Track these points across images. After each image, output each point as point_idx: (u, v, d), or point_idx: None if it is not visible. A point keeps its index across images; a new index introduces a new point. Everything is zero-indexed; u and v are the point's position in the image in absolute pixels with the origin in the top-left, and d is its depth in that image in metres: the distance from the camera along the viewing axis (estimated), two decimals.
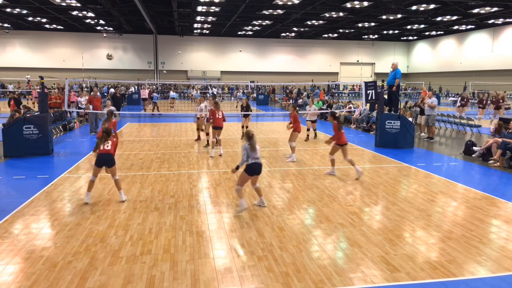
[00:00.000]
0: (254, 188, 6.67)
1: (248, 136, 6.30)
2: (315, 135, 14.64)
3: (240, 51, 49.96)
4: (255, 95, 34.58)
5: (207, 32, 45.78)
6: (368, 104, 15.00)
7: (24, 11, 33.41)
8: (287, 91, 38.12)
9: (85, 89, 29.08)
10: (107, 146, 7.00)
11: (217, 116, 10.91)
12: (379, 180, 8.60)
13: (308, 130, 14.45)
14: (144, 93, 27.08)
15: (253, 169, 6.23)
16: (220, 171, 9.33)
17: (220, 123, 10.95)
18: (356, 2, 28.92)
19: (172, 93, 29.29)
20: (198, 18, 36.08)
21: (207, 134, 12.37)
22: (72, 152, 11.58)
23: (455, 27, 40.47)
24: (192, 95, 31.83)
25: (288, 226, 5.89)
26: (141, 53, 48.10)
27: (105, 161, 6.97)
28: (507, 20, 35.67)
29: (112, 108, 12.56)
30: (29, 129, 10.68)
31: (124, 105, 28.36)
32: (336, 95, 40.95)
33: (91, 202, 6.89)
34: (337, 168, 9.68)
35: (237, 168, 6.43)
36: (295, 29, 42.63)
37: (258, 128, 17.74)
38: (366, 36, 49.00)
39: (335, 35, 47.49)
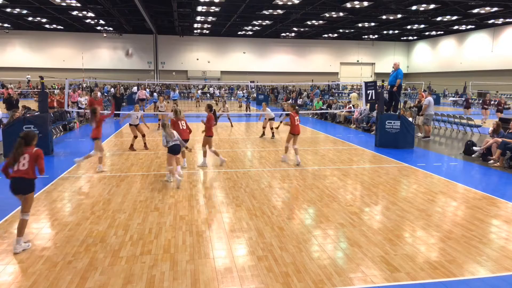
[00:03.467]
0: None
1: (162, 126, 8.37)
2: (273, 135, 14.57)
3: (244, 53, 49.97)
4: (255, 95, 34.56)
5: (207, 32, 45.80)
6: (368, 104, 15.00)
7: (24, 11, 33.43)
8: (287, 91, 38.02)
9: (86, 89, 29.04)
10: (23, 165, 5.04)
11: (180, 127, 8.94)
12: (379, 180, 8.60)
13: (264, 128, 14.89)
14: (142, 94, 26.90)
15: (174, 149, 8.07)
16: (220, 171, 9.34)
17: (185, 136, 8.95)
18: (356, 2, 28.94)
19: (174, 94, 29.19)
20: (198, 18, 36.09)
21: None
22: (72, 152, 11.57)
23: (455, 27, 40.48)
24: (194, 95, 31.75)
25: (288, 226, 5.89)
26: (141, 53, 48.12)
27: (18, 187, 5.04)
28: (507, 20, 35.68)
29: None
30: (29, 129, 10.67)
31: (124, 105, 28.33)
32: (336, 95, 40.94)
33: (92, 202, 6.90)
34: (337, 168, 9.70)
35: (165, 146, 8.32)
36: (295, 29, 42.65)
37: (258, 127, 17.72)
38: (366, 36, 49.02)
39: (335, 35, 47.51)
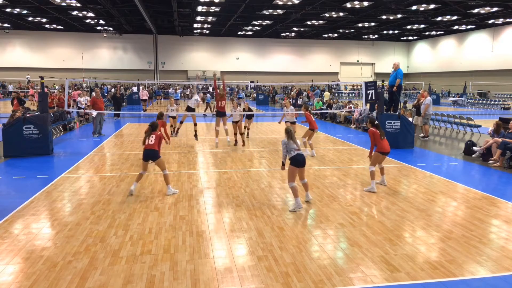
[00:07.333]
0: (302, 184, 6.86)
1: (287, 133, 6.57)
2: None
3: (237, 58, 49.98)
4: (255, 95, 34.55)
5: (207, 32, 45.79)
6: (368, 104, 14.97)
7: (24, 11, 33.42)
8: (287, 91, 38.01)
9: (86, 89, 29.02)
10: (151, 141, 7.24)
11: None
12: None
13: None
14: (143, 94, 26.82)
15: (297, 160, 6.44)
16: (220, 171, 9.34)
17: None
18: (356, 2, 28.93)
19: (175, 93, 29.18)
20: (198, 18, 36.08)
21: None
22: (72, 152, 11.58)
23: (455, 27, 40.48)
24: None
25: (288, 226, 5.89)
26: (141, 53, 48.10)
27: (149, 155, 7.27)
28: (507, 20, 35.68)
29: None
30: (29, 129, 10.69)
31: (124, 105, 28.35)
32: (336, 95, 40.94)
33: (92, 202, 6.90)
34: (336, 168, 9.68)
35: (283, 164, 6.73)
36: (295, 29, 42.64)
37: (258, 128, 17.73)
38: (366, 36, 49.01)
39: (335, 35, 47.50)
